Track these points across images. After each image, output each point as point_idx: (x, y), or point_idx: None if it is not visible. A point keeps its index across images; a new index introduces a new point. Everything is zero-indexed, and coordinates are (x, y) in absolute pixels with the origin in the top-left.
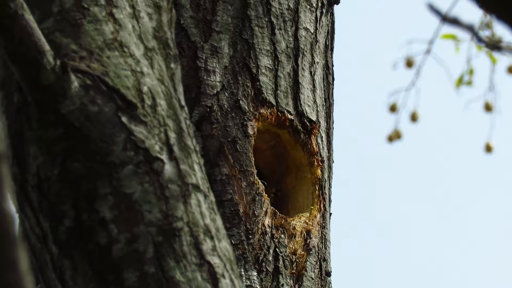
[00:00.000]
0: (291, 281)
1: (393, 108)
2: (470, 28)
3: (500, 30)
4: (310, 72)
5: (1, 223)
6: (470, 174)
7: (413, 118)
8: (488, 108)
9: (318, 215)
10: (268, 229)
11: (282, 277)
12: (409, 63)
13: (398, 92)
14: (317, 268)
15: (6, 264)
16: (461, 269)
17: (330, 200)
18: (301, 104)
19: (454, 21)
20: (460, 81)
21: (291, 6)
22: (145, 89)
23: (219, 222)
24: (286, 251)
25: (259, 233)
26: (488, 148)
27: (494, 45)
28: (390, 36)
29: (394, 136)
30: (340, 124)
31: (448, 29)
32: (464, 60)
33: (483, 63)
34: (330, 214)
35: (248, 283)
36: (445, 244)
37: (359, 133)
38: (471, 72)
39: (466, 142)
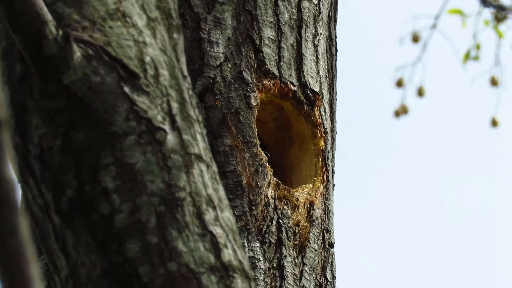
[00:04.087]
0: (294, 253)
1: (399, 83)
2: None
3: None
4: (313, 43)
5: (1, 188)
6: (476, 148)
7: (420, 93)
8: (494, 82)
9: (322, 187)
10: (271, 201)
11: (285, 248)
12: (415, 38)
13: (404, 67)
14: (320, 240)
15: (6, 230)
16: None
17: (333, 172)
18: (304, 76)
19: None
20: (467, 56)
21: None
22: (147, 59)
23: (222, 192)
24: (289, 223)
25: (262, 204)
26: (494, 123)
27: (500, 10)
28: (396, 11)
29: (401, 111)
30: (344, 96)
31: (454, 3)
32: (471, 36)
33: (489, 38)
34: (334, 185)
35: (251, 254)
36: (449, 217)
37: (366, 107)
38: (478, 47)
39: (472, 116)
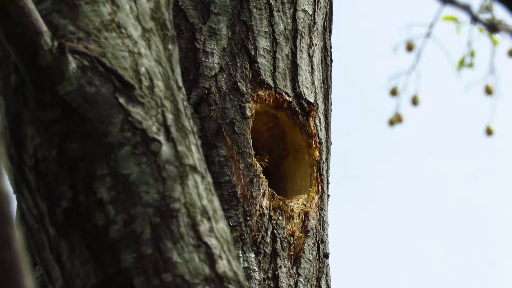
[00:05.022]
0: (289, 263)
1: (394, 92)
2: (467, 9)
3: (500, 13)
4: (308, 54)
5: None
6: (471, 157)
7: (414, 101)
8: (488, 91)
9: (316, 197)
10: (266, 211)
11: (280, 259)
12: (410, 47)
13: (398, 76)
14: (315, 250)
15: (1, 242)
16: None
17: (328, 182)
18: (299, 86)
19: (453, 2)
20: (461, 64)
21: None
22: (142, 70)
23: (217, 203)
24: (284, 233)
25: (257, 214)
26: (489, 131)
27: (493, 26)
28: (391, 20)
29: (395, 120)
30: (339, 107)
31: (448, 11)
32: (465, 43)
33: (484, 46)
34: (328, 195)
35: (246, 265)
36: (443, 229)
37: (360, 117)
38: (472, 54)
39: (467, 125)
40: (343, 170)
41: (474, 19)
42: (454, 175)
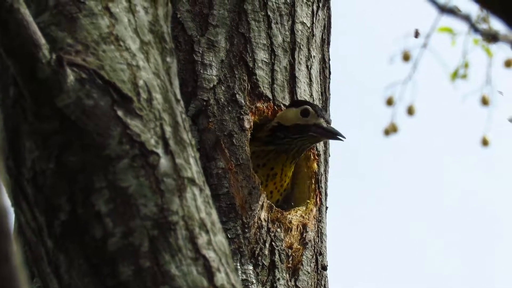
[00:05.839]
0: (287, 275)
1: (389, 102)
2: (466, 18)
3: (496, 24)
4: (307, 66)
5: None
6: (467, 168)
7: (410, 111)
8: (484, 102)
9: (314, 209)
10: (264, 223)
11: (278, 271)
12: (406, 57)
13: (394, 86)
14: (313, 262)
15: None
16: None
17: (326, 194)
18: (297, 98)
19: (451, 11)
20: (455, 75)
21: (288, 0)
22: (140, 82)
23: (215, 216)
24: (282, 245)
25: (255, 227)
26: (485, 142)
27: (491, 36)
28: (387, 30)
29: (391, 130)
30: (336, 117)
31: (445, 22)
32: (461, 54)
33: (481, 57)
34: (326, 208)
35: (244, 277)
36: (442, 239)
37: (356, 127)
38: (466, 65)
39: (463, 135)
40: (334, 185)
41: (474, 29)
42: (450, 185)
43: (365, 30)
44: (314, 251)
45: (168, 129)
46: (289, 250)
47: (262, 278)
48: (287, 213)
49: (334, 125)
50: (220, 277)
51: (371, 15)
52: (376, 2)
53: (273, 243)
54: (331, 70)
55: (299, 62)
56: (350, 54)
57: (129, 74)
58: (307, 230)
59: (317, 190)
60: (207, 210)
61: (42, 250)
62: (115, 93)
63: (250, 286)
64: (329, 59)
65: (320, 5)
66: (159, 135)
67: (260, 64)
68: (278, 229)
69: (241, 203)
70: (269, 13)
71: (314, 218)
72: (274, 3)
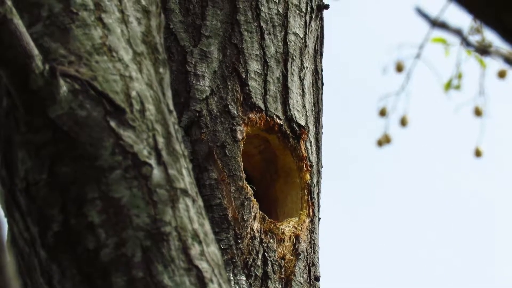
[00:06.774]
0: (280, 286)
1: (383, 112)
2: (458, 32)
3: (489, 35)
4: (299, 77)
5: None
6: (460, 178)
7: (403, 122)
8: (478, 112)
9: (307, 220)
10: (257, 234)
11: (271, 282)
12: (399, 68)
13: (388, 96)
14: (306, 273)
15: None
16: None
17: (319, 205)
18: (290, 109)
19: (443, 25)
20: (448, 85)
21: (281, 11)
22: (133, 93)
23: (208, 226)
24: (275, 256)
25: (248, 237)
26: (478, 153)
27: (483, 49)
28: (380, 40)
29: (384, 140)
30: (329, 129)
31: (438, 33)
32: (454, 64)
33: (474, 68)
34: (319, 219)
35: (237, 287)
36: (437, 249)
37: (349, 138)
38: (459, 76)
39: (456, 146)
40: (328, 194)
41: (466, 43)
42: (443, 196)
43: (359, 40)
44: (306, 262)
45: (160, 140)
46: (282, 261)
47: None
48: (280, 224)
49: (327, 133)
50: None
51: (364, 25)
52: (370, 12)
53: (266, 254)
54: (324, 81)
55: (292, 73)
56: (343, 64)
57: (122, 85)
58: (300, 241)
59: (310, 201)
60: (200, 221)
61: (35, 260)
62: (108, 104)
63: None
64: (321, 70)
65: (313, 16)
66: (151, 146)
67: (252, 75)
68: (271, 240)
69: (233, 214)
70: (262, 24)
71: (307, 229)
72: (266, 14)
